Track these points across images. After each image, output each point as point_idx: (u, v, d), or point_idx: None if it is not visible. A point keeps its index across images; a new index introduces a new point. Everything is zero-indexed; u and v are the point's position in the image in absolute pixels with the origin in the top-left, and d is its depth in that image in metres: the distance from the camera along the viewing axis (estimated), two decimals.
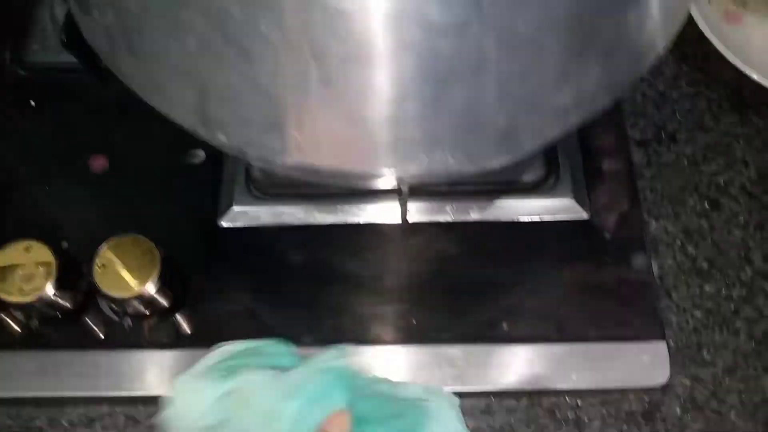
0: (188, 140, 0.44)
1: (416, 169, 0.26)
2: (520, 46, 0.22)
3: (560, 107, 0.25)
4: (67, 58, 0.46)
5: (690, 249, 0.41)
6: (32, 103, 0.46)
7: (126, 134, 0.45)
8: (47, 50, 0.46)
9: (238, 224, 0.41)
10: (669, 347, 0.38)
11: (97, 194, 0.43)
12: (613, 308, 0.39)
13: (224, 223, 0.41)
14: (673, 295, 0.40)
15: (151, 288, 0.36)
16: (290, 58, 0.22)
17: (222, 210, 0.42)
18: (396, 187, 0.37)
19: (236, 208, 0.41)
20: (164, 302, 0.38)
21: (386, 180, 0.30)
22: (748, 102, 0.45)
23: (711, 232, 0.42)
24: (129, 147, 0.44)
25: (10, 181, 0.43)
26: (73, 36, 0.43)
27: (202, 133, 0.26)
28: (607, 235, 0.41)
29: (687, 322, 0.39)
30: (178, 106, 0.26)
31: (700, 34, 0.46)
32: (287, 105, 0.24)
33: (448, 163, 0.26)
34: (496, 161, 0.28)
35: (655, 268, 0.41)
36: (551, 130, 0.26)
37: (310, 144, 0.25)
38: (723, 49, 0.44)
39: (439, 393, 0.36)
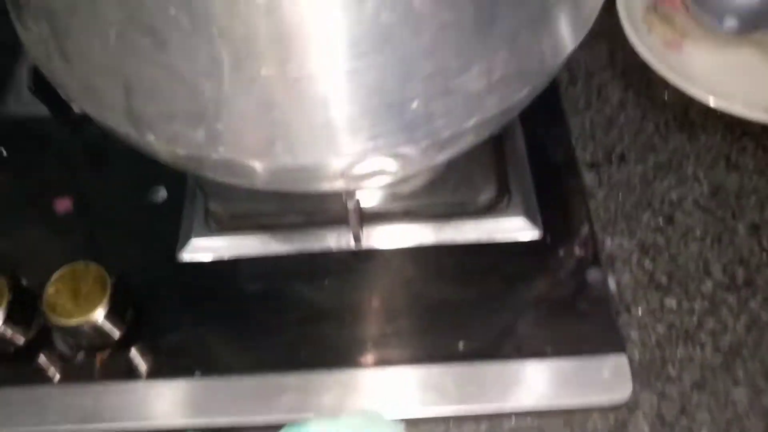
0: (151, 180, 0.46)
1: (342, 161, 0.27)
2: (420, 21, 0.24)
3: (472, 91, 0.26)
4: (41, 109, 0.49)
5: (647, 264, 0.41)
6: (3, 152, 0.48)
7: (91, 177, 0.46)
8: (21, 103, 0.49)
9: (197, 257, 0.42)
10: (631, 362, 0.37)
11: (60, 234, 0.44)
12: (570, 325, 0.38)
13: (183, 257, 0.42)
14: (633, 310, 0.39)
15: (99, 314, 0.36)
16: (201, 41, 0.23)
17: (181, 244, 0.42)
18: (346, 206, 0.38)
19: (194, 242, 0.42)
20: (116, 332, 0.37)
21: (327, 183, 0.31)
22: (696, 122, 0.47)
23: (668, 246, 0.42)
24: (94, 189, 0.46)
25: None
26: (40, 83, 0.45)
27: (134, 135, 0.28)
28: (562, 253, 0.41)
29: (649, 337, 0.39)
30: (109, 108, 0.27)
31: (644, 62, 0.48)
32: (205, 93, 0.25)
33: (373, 151, 0.27)
34: (422, 153, 0.28)
35: (612, 285, 0.40)
36: (468, 117, 0.27)
37: (233, 135, 0.26)
38: (667, 74, 0.46)
39: (381, 420, 0.35)
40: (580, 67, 0.50)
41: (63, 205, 0.44)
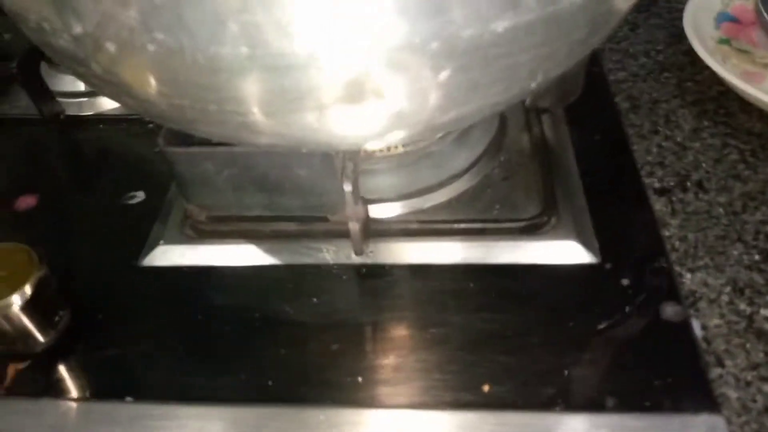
0: (132, 185, 0.39)
1: (319, 59, 0.20)
2: None
3: None
4: (32, 111, 0.44)
5: (743, 307, 0.31)
6: None
7: (69, 179, 0.41)
8: (17, 107, 0.45)
9: (163, 264, 0.34)
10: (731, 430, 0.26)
11: (11, 229, 0.37)
12: (639, 372, 0.28)
13: (145, 262, 0.34)
14: (728, 362, 0.28)
15: (15, 302, 0.28)
16: None
17: (147, 249, 0.35)
18: (343, 188, 0.30)
19: (162, 247, 0.34)
20: (39, 337, 0.29)
21: (309, 115, 0.23)
22: None
23: None
24: (67, 189, 0.40)
25: None
26: (28, 71, 0.41)
27: (59, 27, 0.21)
28: (626, 283, 0.31)
29: (754, 399, 0.27)
30: None
31: (720, 91, 0.41)
32: None
33: (361, 49, 0.20)
34: (431, 73, 0.21)
35: (697, 329, 0.30)
36: (497, 15, 0.20)
37: (173, 12, 0.19)
38: (765, 98, 0.38)
39: None
40: (642, 96, 0.43)
41: (25, 202, 0.38)
